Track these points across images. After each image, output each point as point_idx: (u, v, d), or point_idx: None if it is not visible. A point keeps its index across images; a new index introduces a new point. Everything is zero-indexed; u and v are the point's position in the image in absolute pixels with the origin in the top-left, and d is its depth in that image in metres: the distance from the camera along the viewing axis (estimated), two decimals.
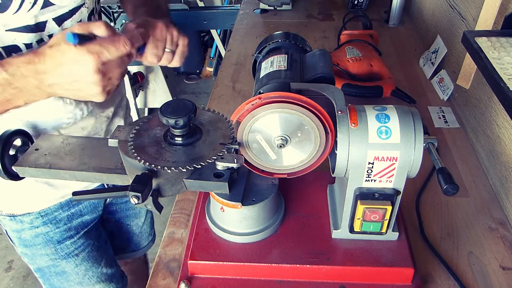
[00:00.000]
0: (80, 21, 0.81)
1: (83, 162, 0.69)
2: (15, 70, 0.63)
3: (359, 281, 0.73)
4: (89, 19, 0.83)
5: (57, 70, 0.63)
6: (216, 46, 3.14)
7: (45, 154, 0.71)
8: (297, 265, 0.72)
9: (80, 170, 0.68)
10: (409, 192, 0.94)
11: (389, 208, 0.69)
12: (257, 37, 1.65)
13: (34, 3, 0.71)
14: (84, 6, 0.80)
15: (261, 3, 1.85)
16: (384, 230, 0.73)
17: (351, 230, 0.74)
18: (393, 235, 0.75)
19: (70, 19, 0.78)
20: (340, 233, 0.75)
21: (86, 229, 1.02)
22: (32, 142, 0.75)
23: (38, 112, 0.81)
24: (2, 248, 2.16)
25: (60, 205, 0.95)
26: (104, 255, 1.08)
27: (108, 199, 1.07)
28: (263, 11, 1.86)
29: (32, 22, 0.72)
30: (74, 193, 0.66)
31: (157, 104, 2.64)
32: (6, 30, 0.70)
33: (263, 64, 0.80)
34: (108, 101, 0.96)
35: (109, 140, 0.67)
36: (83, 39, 0.62)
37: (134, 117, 2.30)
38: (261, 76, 0.77)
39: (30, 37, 0.73)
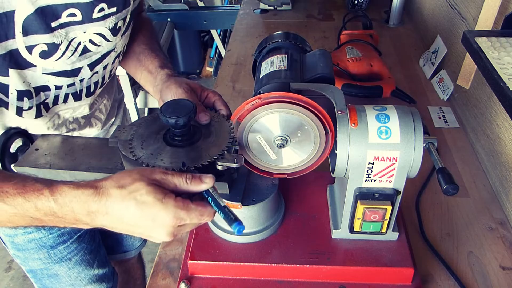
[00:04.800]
0: (107, 65, 0.81)
1: (83, 162, 0.69)
2: (65, 203, 0.54)
3: (359, 281, 0.73)
4: (113, 61, 0.84)
5: (122, 220, 0.54)
6: (216, 46, 3.14)
7: (45, 154, 0.71)
8: (297, 265, 0.72)
9: (80, 170, 0.68)
10: (409, 192, 0.94)
11: (389, 208, 0.69)
12: (257, 37, 1.65)
13: (75, 51, 0.72)
14: (113, 51, 0.81)
15: (261, 3, 1.85)
16: (384, 230, 0.73)
17: (351, 230, 0.74)
18: (393, 235, 0.75)
19: (101, 64, 0.79)
20: (340, 233, 0.75)
21: (79, 233, 1.01)
22: (32, 142, 0.75)
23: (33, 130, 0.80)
24: (2, 248, 2.13)
25: None
26: (97, 257, 1.08)
27: None
28: (263, 11, 1.86)
29: (69, 68, 0.73)
30: None
31: (157, 104, 2.63)
32: (42, 73, 0.71)
33: (263, 64, 0.80)
34: (110, 115, 0.98)
35: (109, 140, 0.67)
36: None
37: (134, 117, 2.30)
38: (261, 76, 0.77)
39: (62, 81, 0.75)
